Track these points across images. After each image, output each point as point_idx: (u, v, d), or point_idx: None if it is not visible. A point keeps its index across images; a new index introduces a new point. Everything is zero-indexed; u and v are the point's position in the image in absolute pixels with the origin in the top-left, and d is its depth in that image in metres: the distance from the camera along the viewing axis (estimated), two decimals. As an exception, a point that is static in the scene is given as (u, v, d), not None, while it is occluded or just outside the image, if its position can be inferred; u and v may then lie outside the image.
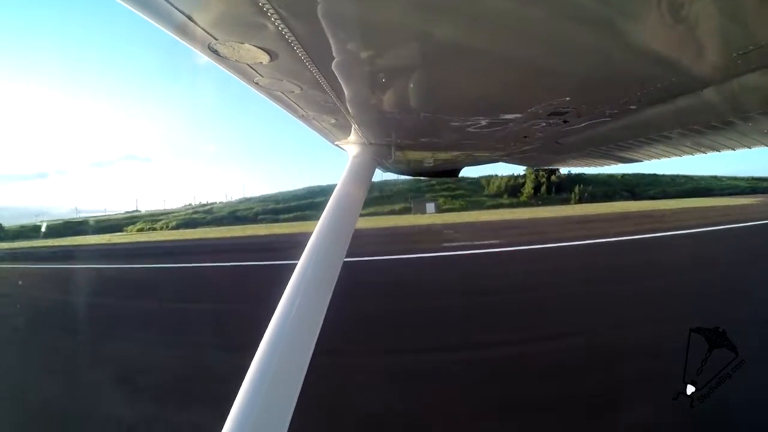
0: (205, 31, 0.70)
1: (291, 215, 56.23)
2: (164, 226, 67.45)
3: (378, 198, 59.00)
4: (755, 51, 0.75)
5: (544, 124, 1.37)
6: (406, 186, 59.83)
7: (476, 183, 60.72)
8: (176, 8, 0.63)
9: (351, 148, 1.83)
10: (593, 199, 52.69)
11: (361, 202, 1.68)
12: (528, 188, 55.05)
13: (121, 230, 76.83)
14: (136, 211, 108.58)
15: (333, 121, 1.42)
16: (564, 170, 50.60)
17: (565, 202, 52.55)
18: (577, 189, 53.35)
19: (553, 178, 56.13)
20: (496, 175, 60.63)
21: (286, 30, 0.68)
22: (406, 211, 53.69)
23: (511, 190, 56.64)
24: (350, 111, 1.23)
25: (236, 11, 0.64)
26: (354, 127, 1.50)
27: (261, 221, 56.91)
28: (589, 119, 1.32)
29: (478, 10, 0.62)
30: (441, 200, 55.22)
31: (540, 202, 52.98)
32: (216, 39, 0.73)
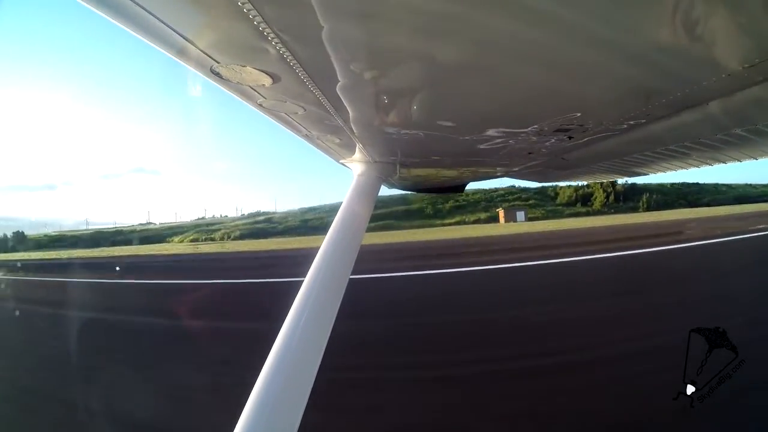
0: (206, 54, 0.72)
1: (377, 224, 56.09)
2: (225, 236, 65.37)
3: (457, 207, 60.12)
4: (761, 64, 0.75)
5: (549, 140, 1.37)
6: (478, 195, 61.39)
7: (543, 192, 63.37)
8: (178, 33, 0.65)
9: (356, 166, 1.85)
10: (657, 207, 56.57)
11: (366, 219, 1.70)
12: (600, 197, 58.28)
13: (162, 241, 74.06)
14: (150, 223, 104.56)
15: (337, 140, 1.44)
16: (620, 180, 53.87)
17: (633, 210, 55.94)
18: (644, 198, 57.18)
19: (618, 187, 59.80)
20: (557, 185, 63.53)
21: (287, 53, 0.69)
22: (491, 219, 55.15)
23: (582, 199, 59.78)
24: (354, 131, 1.25)
25: (237, 36, 0.66)
26: (358, 146, 1.51)
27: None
28: (594, 135, 1.32)
29: (480, 31, 0.62)
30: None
31: (612, 210, 56.27)
32: (218, 62, 0.75)
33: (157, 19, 0.61)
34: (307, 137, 1.41)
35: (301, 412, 1.14)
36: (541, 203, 59.77)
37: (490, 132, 1.26)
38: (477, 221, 54.34)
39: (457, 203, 60.86)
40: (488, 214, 56.45)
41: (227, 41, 0.69)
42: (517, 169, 2.22)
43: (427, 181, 2.79)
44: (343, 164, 1.94)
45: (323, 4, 0.55)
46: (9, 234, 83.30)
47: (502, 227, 42.42)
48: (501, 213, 52.79)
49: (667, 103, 1.01)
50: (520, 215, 52.31)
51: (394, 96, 0.95)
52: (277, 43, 0.65)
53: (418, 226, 52.74)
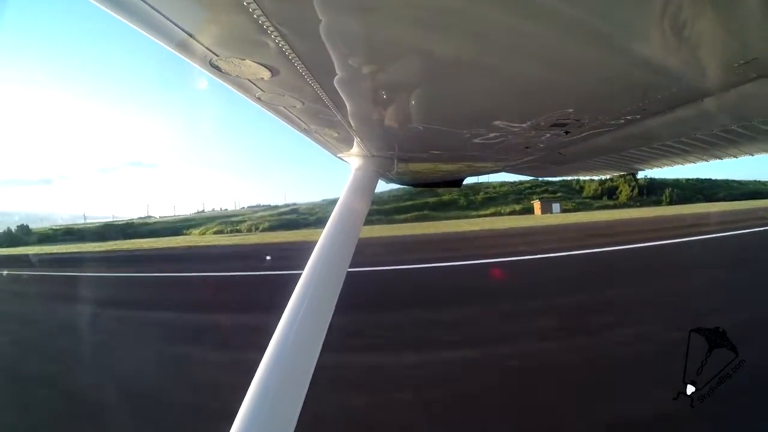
0: (206, 47, 0.73)
1: (412, 214, 56.46)
2: (253, 228, 64.75)
3: (488, 199, 61.13)
4: (755, 61, 0.76)
5: (546, 135, 1.38)
6: (506, 188, 62.57)
7: (568, 186, 65.11)
8: (177, 26, 0.66)
9: (353, 160, 1.85)
10: (678, 201, 58.94)
11: (363, 214, 1.70)
12: (626, 191, 60.36)
13: (179, 233, 73.07)
14: (149, 216, 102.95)
15: (335, 134, 1.45)
16: (641, 174, 55.92)
17: (656, 203, 58.16)
18: (667, 192, 59.57)
19: (640, 181, 62.04)
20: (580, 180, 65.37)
21: (286, 47, 0.70)
22: (525, 211, 56.36)
23: (608, 192, 61.76)
24: (352, 125, 1.26)
25: (237, 29, 0.67)
26: (356, 140, 1.52)
27: (376, 222, 56.67)
28: (591, 130, 1.33)
29: (478, 26, 0.63)
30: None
31: (638, 204, 58.38)
32: (217, 55, 0.76)
33: (158, 12, 0.62)
34: (305, 131, 1.42)
35: (300, 406, 1.16)
36: (569, 196, 61.38)
37: (488, 127, 1.27)
38: (512, 212, 55.46)
39: (488, 195, 62.06)
40: (521, 205, 57.69)
41: (227, 35, 0.71)
42: (514, 163, 2.24)
43: (424, 175, 2.81)
44: (340, 158, 1.94)
45: None
46: (13, 228, 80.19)
47: (539, 218, 43.39)
48: (537, 205, 54.07)
49: (662, 99, 1.02)
50: (556, 207, 53.73)
51: (391, 90, 0.96)
52: (276, 36, 0.67)
53: (455, 217, 53.49)
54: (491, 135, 1.37)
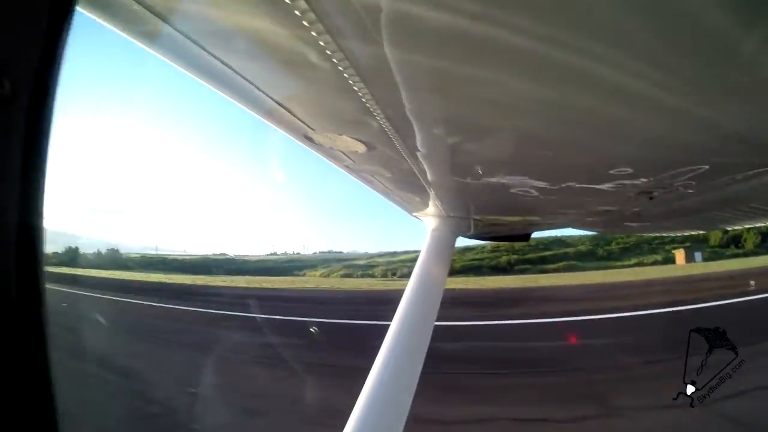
0: (302, 122, 0.77)
1: (562, 264, 58.31)
2: (389, 273, 65.85)
3: (624, 249, 63.56)
4: None
5: (630, 199, 1.34)
6: (633, 239, 64.86)
7: (690, 236, 67.64)
8: (275, 101, 0.69)
9: (429, 220, 1.85)
10: None
11: (444, 277, 1.69)
12: (751, 238, 63.23)
13: (287, 273, 72.70)
14: (223, 254, 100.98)
15: (416, 198, 1.49)
16: None
17: (779, 250, 60.11)
18: (790, 239, 62.04)
19: (762, 228, 64.75)
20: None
21: (389, 127, 0.75)
22: (666, 261, 58.61)
23: (733, 241, 64.42)
24: (432, 189, 1.29)
25: (341, 109, 0.71)
26: (433, 201, 1.53)
27: (526, 272, 57.95)
28: (677, 192, 1.25)
29: (558, 101, 0.64)
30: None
31: (764, 251, 60.64)
32: (313, 129, 0.80)
33: (250, 83, 0.65)
34: (384, 192, 1.47)
35: None
36: (697, 245, 63.79)
37: (569, 192, 1.26)
38: (655, 263, 57.70)
39: (620, 245, 64.50)
40: (658, 255, 59.98)
41: (329, 112, 0.76)
42: (586, 220, 2.21)
43: (494, 231, 2.81)
44: (416, 217, 1.97)
45: (412, 85, 0.59)
46: (103, 251, 77.34)
47: (690, 267, 44.82)
48: (680, 254, 55.98)
49: (753, 164, 0.95)
50: (698, 256, 55.83)
51: (474, 158, 0.99)
52: (381, 118, 0.71)
53: (602, 267, 55.58)
54: (572, 199, 1.38)
